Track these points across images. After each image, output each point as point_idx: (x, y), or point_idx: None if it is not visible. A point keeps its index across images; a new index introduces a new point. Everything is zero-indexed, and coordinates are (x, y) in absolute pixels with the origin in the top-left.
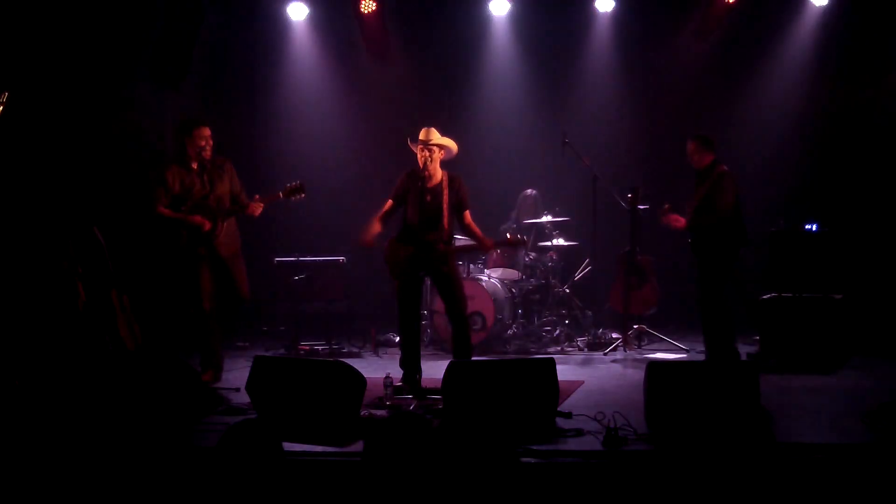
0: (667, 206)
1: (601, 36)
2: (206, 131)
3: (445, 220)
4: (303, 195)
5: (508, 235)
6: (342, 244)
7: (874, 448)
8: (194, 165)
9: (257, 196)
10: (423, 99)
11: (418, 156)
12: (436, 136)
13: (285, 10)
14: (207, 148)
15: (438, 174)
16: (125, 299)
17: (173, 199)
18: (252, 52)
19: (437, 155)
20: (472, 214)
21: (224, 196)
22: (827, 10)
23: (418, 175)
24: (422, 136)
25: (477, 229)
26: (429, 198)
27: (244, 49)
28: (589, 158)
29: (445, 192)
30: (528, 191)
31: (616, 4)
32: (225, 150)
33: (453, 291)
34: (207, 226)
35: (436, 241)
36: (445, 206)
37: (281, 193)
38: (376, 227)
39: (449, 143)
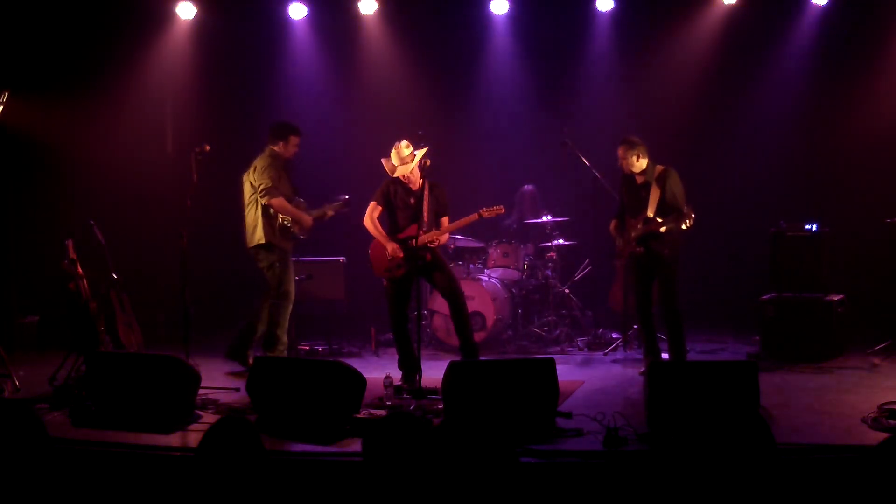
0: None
1: (601, 36)
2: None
3: (426, 222)
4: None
5: (484, 210)
6: (342, 244)
7: (874, 449)
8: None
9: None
10: (424, 99)
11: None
12: (405, 152)
13: (285, 10)
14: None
15: (419, 178)
16: (125, 299)
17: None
18: (252, 52)
19: (415, 163)
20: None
21: None
22: (827, 10)
23: (400, 181)
24: (395, 158)
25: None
26: (412, 200)
27: (244, 49)
28: (589, 158)
29: (426, 197)
30: (526, 187)
31: (616, 4)
32: (225, 150)
33: (444, 281)
34: (310, 222)
35: (415, 237)
36: (426, 208)
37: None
38: (380, 231)
39: (419, 153)
